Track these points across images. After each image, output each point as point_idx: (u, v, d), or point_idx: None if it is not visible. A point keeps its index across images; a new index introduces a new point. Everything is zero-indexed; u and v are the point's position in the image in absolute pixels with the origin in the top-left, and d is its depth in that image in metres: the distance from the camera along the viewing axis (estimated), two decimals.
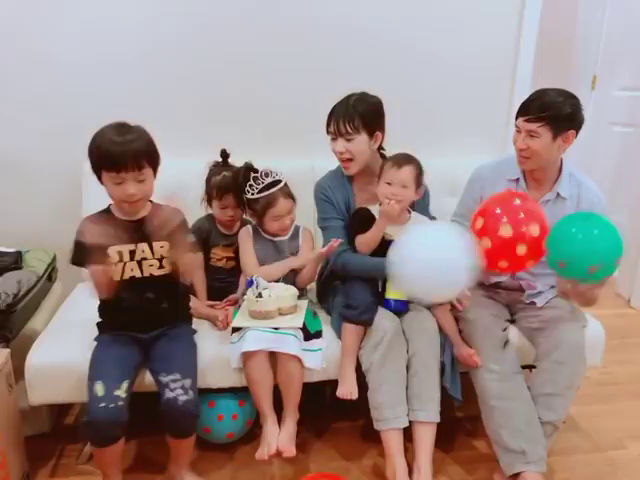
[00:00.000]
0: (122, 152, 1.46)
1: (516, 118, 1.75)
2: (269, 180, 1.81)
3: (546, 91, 1.72)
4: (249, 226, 1.93)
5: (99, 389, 1.47)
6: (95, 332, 1.69)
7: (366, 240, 1.77)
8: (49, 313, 1.95)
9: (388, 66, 2.41)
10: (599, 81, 3.59)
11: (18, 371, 1.64)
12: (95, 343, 1.64)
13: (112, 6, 2.18)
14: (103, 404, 1.44)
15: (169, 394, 1.50)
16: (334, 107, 1.84)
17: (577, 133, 1.72)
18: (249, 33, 2.29)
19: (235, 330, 1.74)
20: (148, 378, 1.65)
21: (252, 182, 1.81)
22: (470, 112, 2.54)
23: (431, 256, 1.48)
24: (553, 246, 1.55)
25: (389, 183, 1.74)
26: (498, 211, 1.61)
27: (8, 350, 1.63)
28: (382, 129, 1.86)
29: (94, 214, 1.63)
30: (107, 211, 1.62)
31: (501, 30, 2.51)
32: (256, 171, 1.82)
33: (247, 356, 1.66)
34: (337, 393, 1.70)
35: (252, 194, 1.81)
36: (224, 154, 1.98)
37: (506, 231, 1.56)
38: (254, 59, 2.32)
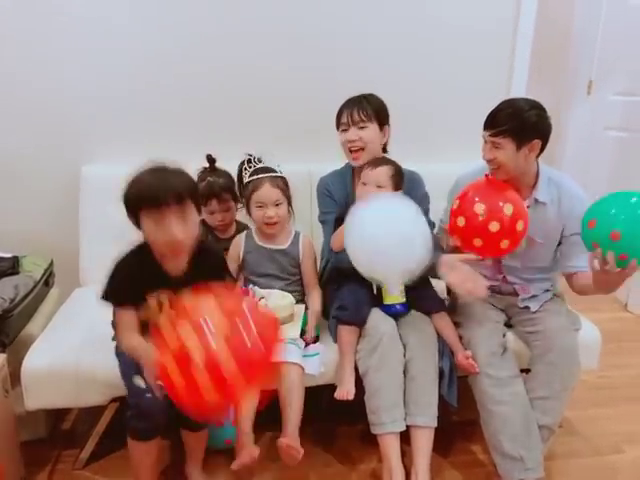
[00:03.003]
0: (162, 186, 1.34)
1: (483, 129, 1.74)
2: (260, 165, 1.84)
3: (511, 101, 1.71)
4: (243, 234, 1.92)
5: (140, 382, 1.44)
6: (93, 338, 1.69)
7: (338, 236, 1.77)
8: (46, 318, 1.94)
9: (388, 74, 2.43)
10: (595, 86, 3.61)
11: (14, 376, 1.64)
12: (114, 343, 1.62)
13: (112, 12, 2.19)
14: (149, 394, 1.42)
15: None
16: (346, 102, 1.89)
17: (544, 142, 1.70)
18: (246, 40, 2.30)
19: None
20: None
21: (246, 165, 1.85)
22: (467, 119, 2.54)
23: (384, 230, 1.53)
24: (615, 215, 1.50)
25: (365, 183, 1.77)
26: (472, 193, 1.68)
27: (4, 355, 1.63)
28: (389, 126, 1.92)
29: (133, 254, 1.46)
30: (147, 253, 1.45)
31: (497, 35, 2.52)
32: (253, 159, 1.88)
33: None
34: (335, 395, 1.70)
35: (245, 179, 1.85)
36: (210, 159, 1.98)
37: (479, 208, 1.63)
38: (251, 64, 2.33)
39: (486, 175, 1.75)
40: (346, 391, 1.69)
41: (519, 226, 1.64)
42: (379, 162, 1.80)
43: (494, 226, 1.61)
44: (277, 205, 1.82)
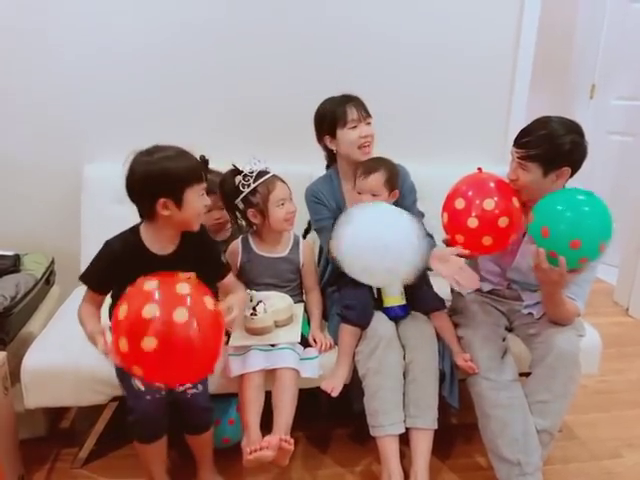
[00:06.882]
0: (198, 164, 1.51)
1: (513, 144, 1.65)
2: (260, 168, 1.77)
3: (546, 121, 1.59)
4: (238, 240, 1.87)
5: (139, 383, 1.45)
6: None
7: None
8: (46, 316, 1.95)
9: (388, 75, 2.43)
10: (598, 90, 3.61)
11: (14, 374, 1.64)
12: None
13: (112, 9, 2.19)
14: (149, 397, 1.46)
15: (178, 388, 1.53)
16: (341, 100, 1.88)
17: (574, 170, 1.60)
18: (249, 38, 2.31)
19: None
20: None
21: (246, 173, 1.75)
22: (469, 122, 2.56)
23: (373, 235, 1.52)
24: (544, 210, 1.52)
25: (359, 192, 1.77)
26: (457, 188, 1.66)
27: (4, 353, 1.63)
28: None
29: (121, 239, 1.50)
30: (135, 239, 1.50)
31: (499, 39, 2.52)
32: (241, 171, 1.77)
33: (245, 377, 1.65)
34: (321, 384, 1.70)
35: (248, 185, 1.74)
36: (202, 160, 1.94)
37: (458, 204, 1.61)
38: (253, 64, 2.34)
39: (479, 169, 1.70)
40: (332, 387, 1.68)
41: (502, 222, 1.57)
42: (371, 168, 1.77)
43: (472, 222, 1.58)
44: (291, 199, 1.81)
